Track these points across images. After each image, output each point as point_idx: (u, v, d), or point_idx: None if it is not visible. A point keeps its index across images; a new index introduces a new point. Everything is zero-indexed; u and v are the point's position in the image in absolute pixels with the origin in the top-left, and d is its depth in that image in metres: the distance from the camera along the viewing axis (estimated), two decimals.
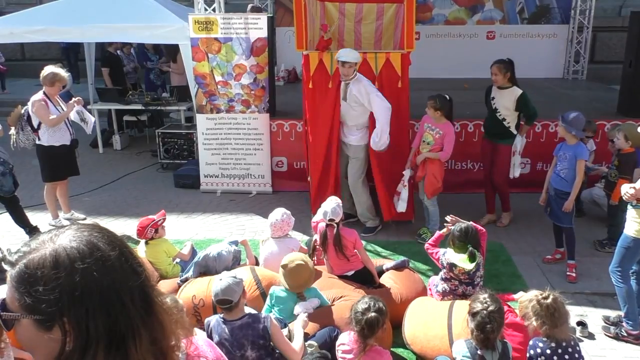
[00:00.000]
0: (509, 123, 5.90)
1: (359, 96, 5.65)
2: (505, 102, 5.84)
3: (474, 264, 3.99)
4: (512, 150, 5.93)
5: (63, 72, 5.94)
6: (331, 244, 4.50)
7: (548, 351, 3.23)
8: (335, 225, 4.51)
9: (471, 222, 4.24)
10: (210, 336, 3.39)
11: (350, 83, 5.67)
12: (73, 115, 6.16)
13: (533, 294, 3.67)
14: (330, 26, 7.06)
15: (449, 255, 4.11)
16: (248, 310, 3.47)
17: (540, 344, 3.26)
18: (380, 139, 5.61)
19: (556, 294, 3.27)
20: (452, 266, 4.05)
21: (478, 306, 3.21)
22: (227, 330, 3.34)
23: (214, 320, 3.44)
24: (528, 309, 3.29)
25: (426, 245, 4.44)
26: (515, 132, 5.92)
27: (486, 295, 3.30)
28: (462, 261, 4.02)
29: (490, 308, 3.18)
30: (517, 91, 5.79)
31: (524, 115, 5.89)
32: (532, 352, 3.29)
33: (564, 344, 3.23)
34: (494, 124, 5.98)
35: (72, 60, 13.60)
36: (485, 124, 6.23)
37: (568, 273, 5.06)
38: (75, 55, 13.62)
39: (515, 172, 5.98)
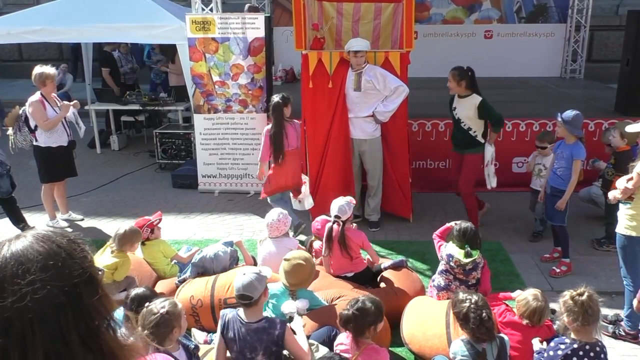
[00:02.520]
0: (475, 132, 5.63)
1: (374, 80, 5.69)
2: (466, 111, 5.58)
3: (469, 259, 4.02)
4: (485, 161, 5.67)
5: (48, 69, 5.92)
6: (336, 242, 4.50)
7: (569, 352, 3.15)
8: (341, 223, 4.52)
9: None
10: (224, 328, 3.36)
11: (363, 72, 5.71)
12: (68, 114, 6.16)
13: (531, 292, 3.69)
14: (326, 23, 7.06)
15: (449, 247, 4.17)
16: (265, 313, 3.43)
17: (562, 345, 3.19)
18: (386, 108, 5.75)
19: (591, 291, 3.20)
20: (450, 257, 4.10)
21: (464, 306, 3.21)
22: (242, 331, 3.30)
23: (230, 314, 3.38)
24: (560, 305, 3.25)
25: (434, 235, 4.49)
26: (483, 140, 5.64)
27: (461, 293, 3.36)
28: (460, 254, 4.07)
29: (474, 299, 3.21)
30: (476, 99, 5.51)
31: (490, 122, 5.62)
32: (551, 352, 3.20)
33: (587, 346, 3.14)
34: (461, 134, 5.71)
35: (80, 60, 13.54)
36: (453, 135, 5.94)
37: (554, 267, 5.10)
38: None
39: (492, 182, 5.73)
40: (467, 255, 4.02)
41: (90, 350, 1.03)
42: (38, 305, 0.97)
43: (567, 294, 3.23)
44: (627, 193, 3.89)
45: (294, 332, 3.55)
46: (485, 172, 5.74)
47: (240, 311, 3.38)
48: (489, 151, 5.64)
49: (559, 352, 3.17)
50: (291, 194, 5.90)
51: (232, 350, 3.35)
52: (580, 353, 3.14)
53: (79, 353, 1.01)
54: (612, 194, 4.02)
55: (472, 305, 3.17)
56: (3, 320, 0.96)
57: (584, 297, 3.15)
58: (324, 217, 4.99)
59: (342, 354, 3.34)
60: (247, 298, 3.28)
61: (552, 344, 3.28)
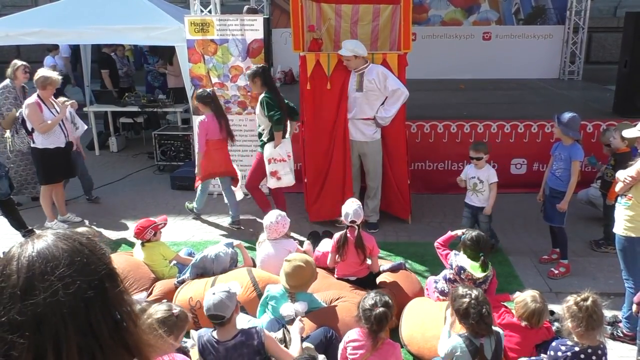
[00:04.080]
0: (263, 129, 5.82)
1: (376, 79, 5.69)
2: (257, 107, 5.79)
3: (483, 274, 3.98)
4: (265, 160, 5.72)
5: (55, 75, 5.93)
6: (352, 246, 4.48)
7: (569, 354, 3.15)
8: (357, 227, 4.52)
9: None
10: (202, 351, 3.30)
11: (365, 72, 5.72)
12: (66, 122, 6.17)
13: (530, 293, 3.68)
14: (324, 24, 7.06)
15: (461, 258, 4.10)
16: (239, 324, 3.39)
17: (563, 347, 3.18)
18: (387, 113, 5.77)
19: (595, 295, 3.19)
20: (461, 269, 4.04)
21: (464, 301, 3.19)
22: (220, 352, 3.23)
23: (205, 337, 3.32)
24: (564, 311, 3.23)
25: (436, 244, 4.46)
26: (265, 140, 5.75)
27: (459, 288, 3.32)
28: (473, 267, 4.01)
29: (475, 295, 3.19)
30: (263, 95, 5.70)
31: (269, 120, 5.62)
32: (552, 352, 3.21)
33: (589, 350, 3.13)
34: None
35: (80, 62, 13.53)
36: None
37: (552, 269, 5.11)
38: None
39: (268, 182, 5.79)
40: (484, 266, 3.99)
41: (116, 343, 1.06)
42: (70, 300, 1.00)
43: (571, 300, 3.20)
44: (627, 185, 3.87)
45: (288, 337, 3.54)
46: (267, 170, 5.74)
47: (215, 332, 3.32)
48: (267, 150, 5.66)
49: (559, 354, 3.17)
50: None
51: None
52: (582, 356, 3.13)
53: (110, 346, 1.04)
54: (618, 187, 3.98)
55: (472, 301, 3.15)
56: (36, 316, 0.98)
57: (589, 302, 3.13)
58: (325, 248, 4.88)
59: (355, 350, 3.32)
60: (220, 318, 3.23)
61: (553, 344, 3.28)
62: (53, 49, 10.77)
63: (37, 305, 0.98)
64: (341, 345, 3.46)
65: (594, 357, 3.13)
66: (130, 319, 1.10)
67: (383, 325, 3.25)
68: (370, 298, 3.33)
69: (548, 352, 3.27)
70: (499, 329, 3.37)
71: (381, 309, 3.24)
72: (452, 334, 3.39)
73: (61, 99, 6.48)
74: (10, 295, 0.99)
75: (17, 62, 6.57)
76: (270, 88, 5.72)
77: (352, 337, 3.39)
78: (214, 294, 3.25)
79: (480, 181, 5.32)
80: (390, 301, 3.33)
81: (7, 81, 6.60)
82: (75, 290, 1.01)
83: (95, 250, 1.09)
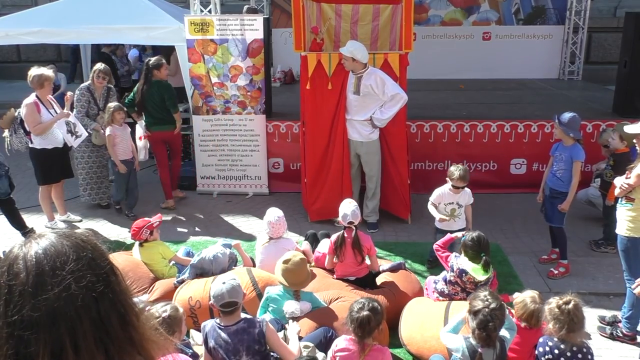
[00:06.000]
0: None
1: (373, 85, 5.68)
2: None
3: (485, 277, 3.97)
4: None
5: (47, 71, 5.90)
6: (349, 246, 4.48)
7: (556, 351, 3.21)
8: (354, 228, 4.52)
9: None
10: (206, 340, 3.38)
11: (363, 75, 5.70)
12: (61, 127, 6.09)
13: (529, 294, 3.68)
14: (324, 24, 7.06)
15: (462, 261, 4.09)
16: (243, 314, 3.46)
17: (550, 343, 3.25)
18: (383, 115, 5.78)
19: (576, 299, 3.24)
20: (462, 272, 4.03)
21: (479, 304, 3.16)
22: (222, 336, 3.30)
23: (209, 325, 3.41)
24: (545, 312, 3.27)
25: (435, 247, 4.46)
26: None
27: (486, 293, 3.27)
28: (475, 270, 4.00)
29: (492, 305, 3.14)
30: None
31: None
32: (540, 349, 3.28)
33: (574, 348, 3.20)
34: None
35: (80, 62, 13.49)
36: None
37: (552, 269, 5.11)
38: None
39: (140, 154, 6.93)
40: (485, 267, 3.98)
41: (125, 337, 1.07)
42: (83, 293, 1.01)
43: (553, 302, 3.27)
44: (625, 191, 3.90)
45: (288, 338, 3.54)
46: None
47: (218, 319, 3.38)
48: (138, 128, 6.86)
49: (547, 349, 3.25)
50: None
51: (216, 358, 3.34)
52: (568, 354, 3.21)
53: (121, 339, 1.05)
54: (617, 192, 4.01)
55: (486, 309, 3.12)
56: (50, 311, 0.98)
57: (570, 305, 3.21)
58: (324, 248, 4.85)
59: None
60: (233, 304, 3.29)
61: (540, 339, 3.35)
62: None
63: (50, 301, 0.98)
64: (329, 354, 3.43)
65: (579, 355, 3.21)
66: (134, 314, 1.11)
67: (365, 329, 3.23)
68: (359, 302, 3.35)
69: (537, 348, 3.33)
70: (506, 334, 3.34)
71: (365, 313, 3.23)
72: (459, 333, 3.40)
73: (111, 103, 6.66)
74: (20, 292, 0.99)
75: (95, 67, 6.75)
76: (144, 80, 6.68)
77: (340, 346, 3.36)
78: (223, 283, 3.31)
79: (459, 206, 5.10)
80: (379, 308, 3.31)
81: (88, 82, 6.79)
82: (86, 283, 1.02)
83: (97, 247, 1.11)
